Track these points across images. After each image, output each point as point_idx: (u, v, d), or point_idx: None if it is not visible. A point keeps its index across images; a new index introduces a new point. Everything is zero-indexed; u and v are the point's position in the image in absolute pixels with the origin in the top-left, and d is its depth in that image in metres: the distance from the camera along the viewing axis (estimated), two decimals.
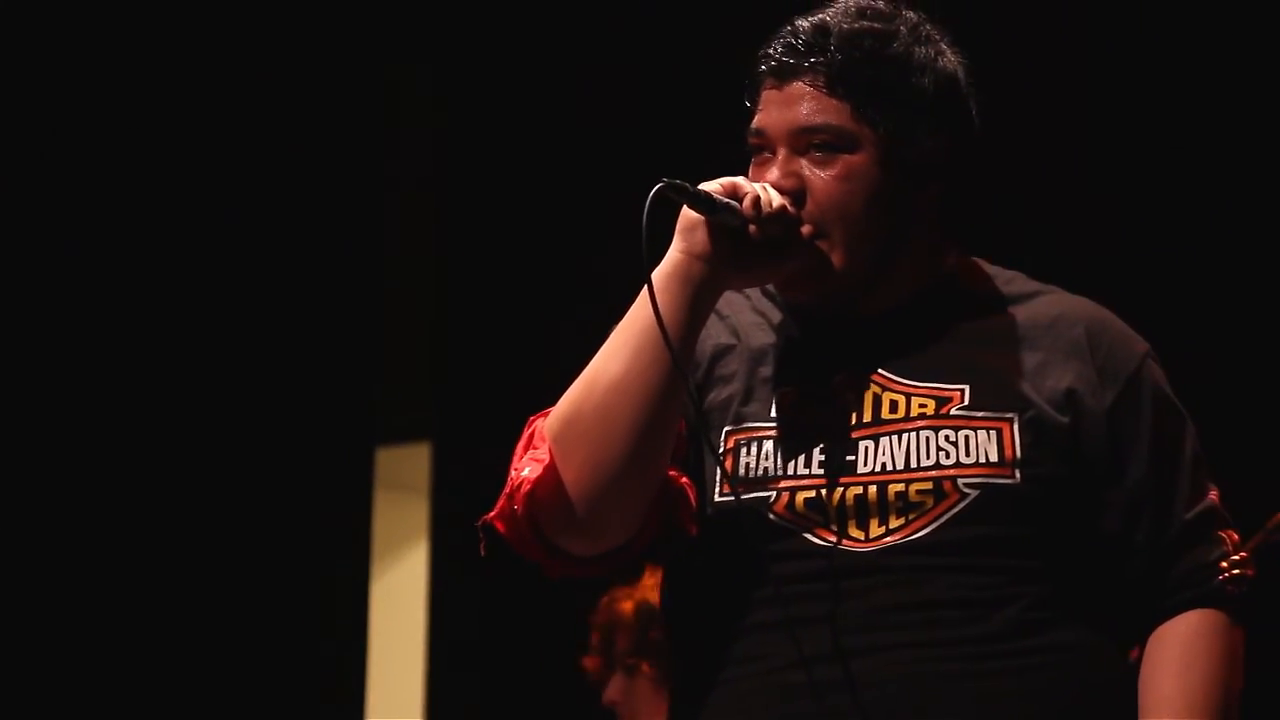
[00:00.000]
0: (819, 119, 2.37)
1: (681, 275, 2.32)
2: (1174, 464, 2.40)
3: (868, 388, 2.38)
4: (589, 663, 4.11)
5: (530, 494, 2.30)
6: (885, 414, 2.36)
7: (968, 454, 2.33)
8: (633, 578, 4.11)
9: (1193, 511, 2.40)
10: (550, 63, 5.27)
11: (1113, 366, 2.41)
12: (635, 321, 2.32)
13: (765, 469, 2.36)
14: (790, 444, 2.36)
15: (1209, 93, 4.57)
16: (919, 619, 2.30)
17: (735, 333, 2.44)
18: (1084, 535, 2.37)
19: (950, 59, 2.42)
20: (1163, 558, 2.38)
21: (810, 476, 2.34)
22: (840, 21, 2.39)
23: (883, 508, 2.33)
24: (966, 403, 2.36)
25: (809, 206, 2.36)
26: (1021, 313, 2.43)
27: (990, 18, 3.95)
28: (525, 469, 2.32)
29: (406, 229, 5.82)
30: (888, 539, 2.32)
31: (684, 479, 2.37)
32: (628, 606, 4.04)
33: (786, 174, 2.37)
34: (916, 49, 2.39)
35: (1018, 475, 2.33)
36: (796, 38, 2.39)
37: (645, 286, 2.30)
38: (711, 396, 2.41)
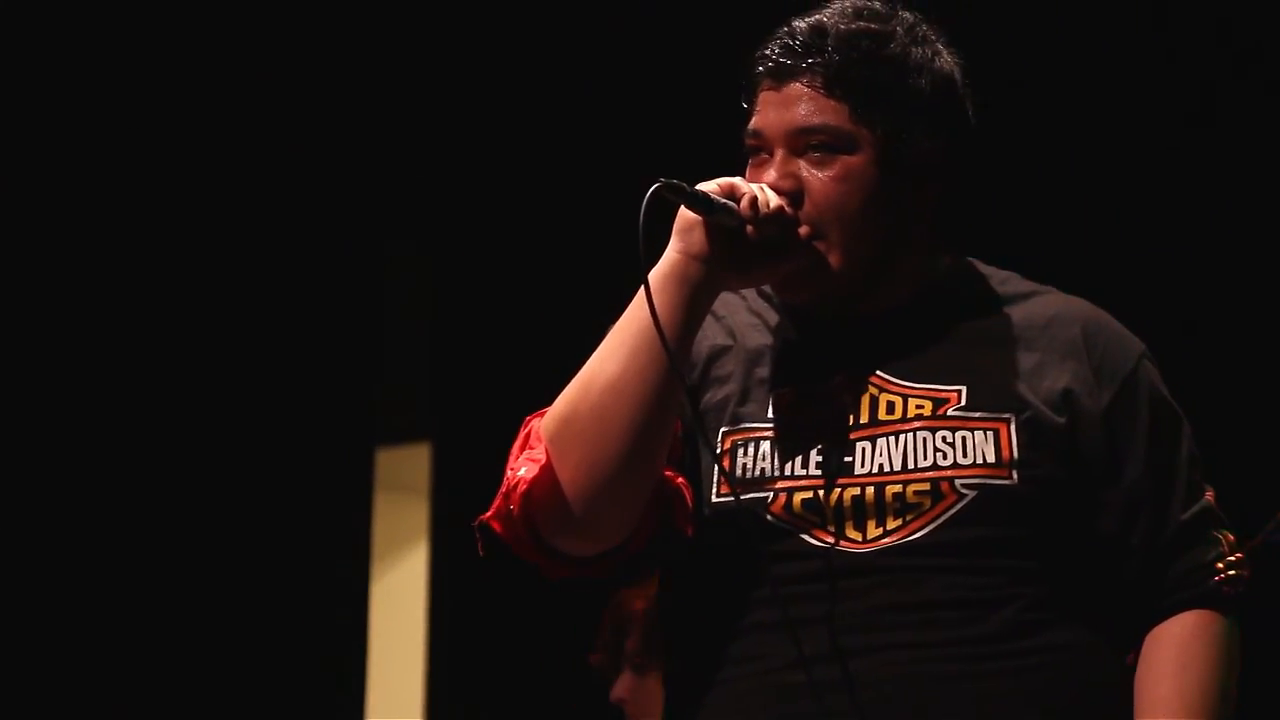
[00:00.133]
0: (817, 120, 2.37)
1: (679, 276, 2.32)
2: (1170, 465, 2.41)
3: (865, 389, 2.38)
4: (595, 659, 4.09)
5: (526, 494, 2.31)
6: (882, 415, 2.36)
7: (965, 455, 2.33)
8: (633, 579, 4.10)
9: (1189, 512, 2.40)
10: (550, 62, 5.27)
11: (1109, 367, 2.41)
12: (632, 322, 2.32)
13: (762, 470, 2.36)
14: (787, 445, 2.36)
15: (1207, 92, 4.56)
16: (916, 619, 2.31)
17: (731, 333, 2.45)
18: (1081, 536, 2.37)
19: (947, 59, 2.43)
20: (1159, 558, 2.39)
21: (807, 477, 2.35)
22: (837, 22, 2.39)
23: (880, 509, 2.33)
24: (963, 404, 2.36)
25: (807, 207, 2.36)
26: (1018, 313, 2.44)
27: (986, 18, 3.95)
28: (521, 469, 2.32)
29: (407, 229, 5.83)
30: (885, 540, 2.32)
31: (680, 480, 2.37)
32: (640, 605, 4.03)
33: (784, 175, 2.37)
34: (913, 49, 2.40)
35: (1015, 476, 2.33)
36: (793, 39, 2.39)
37: (642, 287, 2.30)
38: (707, 397, 2.41)
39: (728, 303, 2.45)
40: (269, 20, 5.30)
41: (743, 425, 2.38)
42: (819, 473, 2.34)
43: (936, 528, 2.32)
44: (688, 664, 2.40)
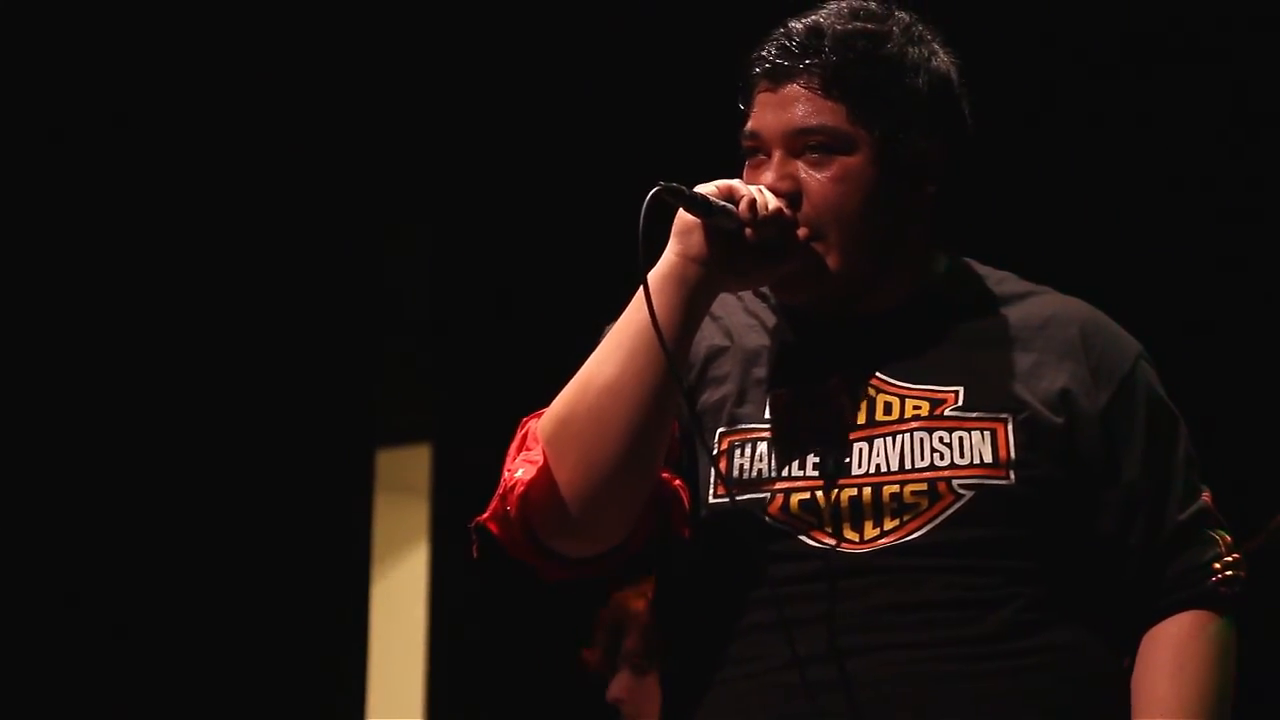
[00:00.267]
0: (814, 120, 2.37)
1: (677, 278, 2.32)
2: (1167, 465, 2.41)
3: (862, 389, 2.38)
4: (589, 655, 4.08)
5: (523, 495, 2.31)
6: (880, 415, 2.36)
7: (962, 455, 2.33)
8: (633, 580, 4.10)
9: (1186, 512, 2.40)
10: (550, 64, 5.27)
11: (1106, 367, 2.41)
12: (630, 324, 2.32)
13: (760, 471, 2.36)
14: (784, 446, 2.36)
15: (1206, 92, 4.56)
16: (915, 620, 2.31)
17: (728, 334, 2.44)
18: (1078, 536, 2.37)
19: (943, 59, 2.42)
20: (1156, 559, 2.39)
21: (805, 478, 2.35)
22: (834, 23, 2.39)
23: (877, 509, 2.33)
24: (961, 404, 2.36)
25: (805, 208, 2.36)
26: (1015, 314, 2.44)
27: (983, 17, 3.95)
28: (518, 470, 2.32)
29: (407, 229, 5.83)
30: (883, 540, 2.32)
31: (677, 481, 2.37)
32: (639, 605, 4.02)
33: (782, 176, 2.37)
34: (910, 49, 2.39)
35: (1012, 476, 2.33)
36: (790, 40, 2.39)
37: (641, 289, 2.30)
38: (705, 398, 2.41)
39: (725, 303, 2.44)
40: (269, 20, 5.30)
41: (740, 426, 2.38)
42: (816, 474, 2.34)
43: (934, 528, 2.32)
44: (686, 664, 2.40)
